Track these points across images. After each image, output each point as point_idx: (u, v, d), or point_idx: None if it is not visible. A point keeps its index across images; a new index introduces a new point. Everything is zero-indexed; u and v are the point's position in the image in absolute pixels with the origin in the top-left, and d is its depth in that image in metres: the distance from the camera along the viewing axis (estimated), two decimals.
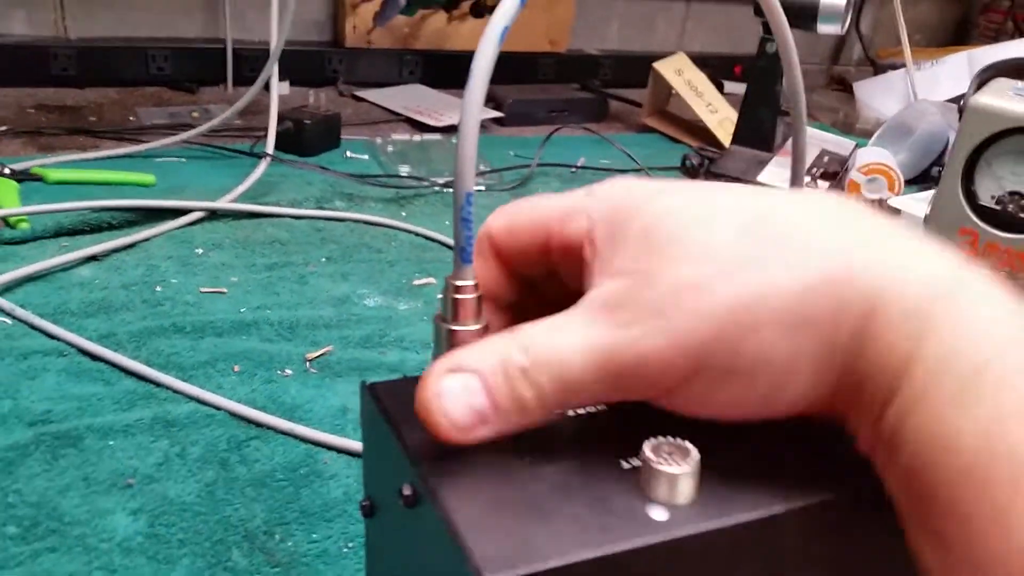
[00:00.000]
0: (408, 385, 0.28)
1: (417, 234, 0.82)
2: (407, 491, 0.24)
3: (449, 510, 0.22)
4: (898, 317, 0.20)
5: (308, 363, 0.59)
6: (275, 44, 0.90)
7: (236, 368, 0.57)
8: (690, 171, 1.11)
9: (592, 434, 0.26)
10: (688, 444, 0.23)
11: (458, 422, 0.23)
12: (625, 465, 0.24)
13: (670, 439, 0.23)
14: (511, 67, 1.47)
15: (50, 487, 0.45)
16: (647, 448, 0.23)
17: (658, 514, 0.22)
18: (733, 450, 0.25)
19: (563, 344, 0.23)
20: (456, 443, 0.23)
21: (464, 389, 0.23)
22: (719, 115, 1.23)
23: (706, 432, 0.26)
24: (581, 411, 0.27)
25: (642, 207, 0.24)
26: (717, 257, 0.22)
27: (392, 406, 0.27)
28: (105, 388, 0.54)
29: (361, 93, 1.29)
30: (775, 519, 0.23)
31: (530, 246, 0.26)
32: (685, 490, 0.23)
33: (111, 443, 0.49)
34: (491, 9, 1.20)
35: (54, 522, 0.43)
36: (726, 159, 1.03)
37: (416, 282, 0.73)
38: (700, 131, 1.27)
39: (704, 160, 1.12)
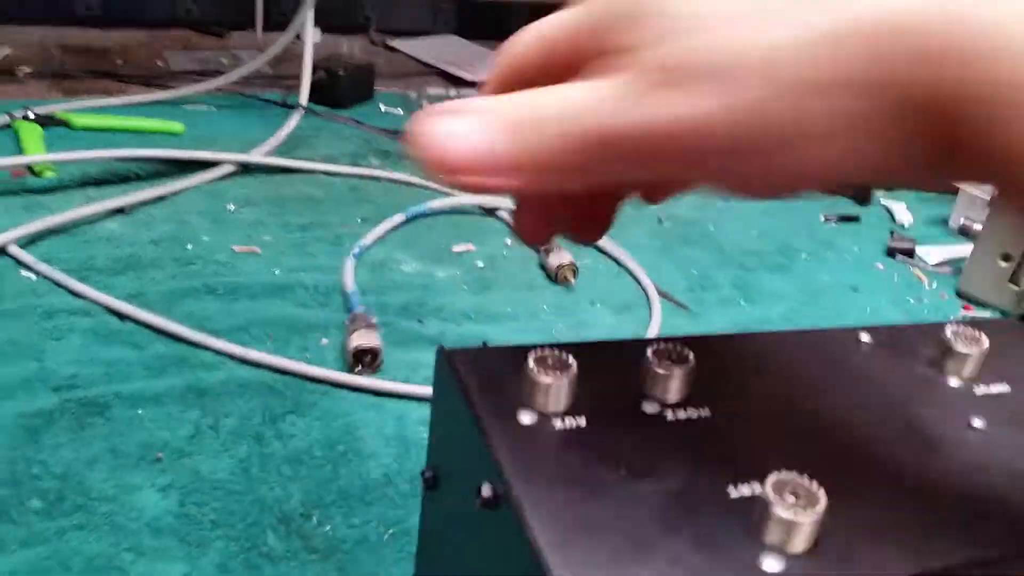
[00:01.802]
0: (489, 357, 0.25)
1: (450, 196, 0.79)
2: (486, 491, 0.21)
3: (535, 528, 0.19)
4: None
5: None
6: None
7: (271, 335, 0.54)
8: None
9: (698, 446, 0.23)
10: (816, 487, 0.20)
11: (450, 154, 0.20)
12: (735, 493, 0.21)
13: (796, 476, 0.20)
14: None
15: (76, 458, 0.43)
16: (769, 485, 0.20)
17: (771, 565, 0.19)
18: (865, 488, 0.22)
19: (585, 101, 0.19)
20: (446, 178, 0.20)
21: (464, 125, 0.20)
22: None
23: (833, 456, 0.23)
24: (683, 415, 0.24)
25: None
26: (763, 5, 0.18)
27: (472, 381, 0.24)
28: (134, 352, 0.51)
29: (394, 43, 1.25)
30: None
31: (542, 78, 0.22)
32: (805, 539, 0.20)
33: (140, 412, 0.46)
34: None
35: (80, 497, 0.41)
36: None
37: (455, 248, 0.70)
38: None
39: None
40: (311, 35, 0.89)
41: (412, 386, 0.51)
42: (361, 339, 0.52)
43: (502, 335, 0.59)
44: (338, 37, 1.23)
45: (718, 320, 0.65)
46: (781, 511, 0.19)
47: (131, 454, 0.43)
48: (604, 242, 0.73)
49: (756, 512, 0.20)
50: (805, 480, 0.20)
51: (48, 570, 0.37)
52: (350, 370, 0.52)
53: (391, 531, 0.41)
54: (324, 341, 0.55)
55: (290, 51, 0.96)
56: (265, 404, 0.48)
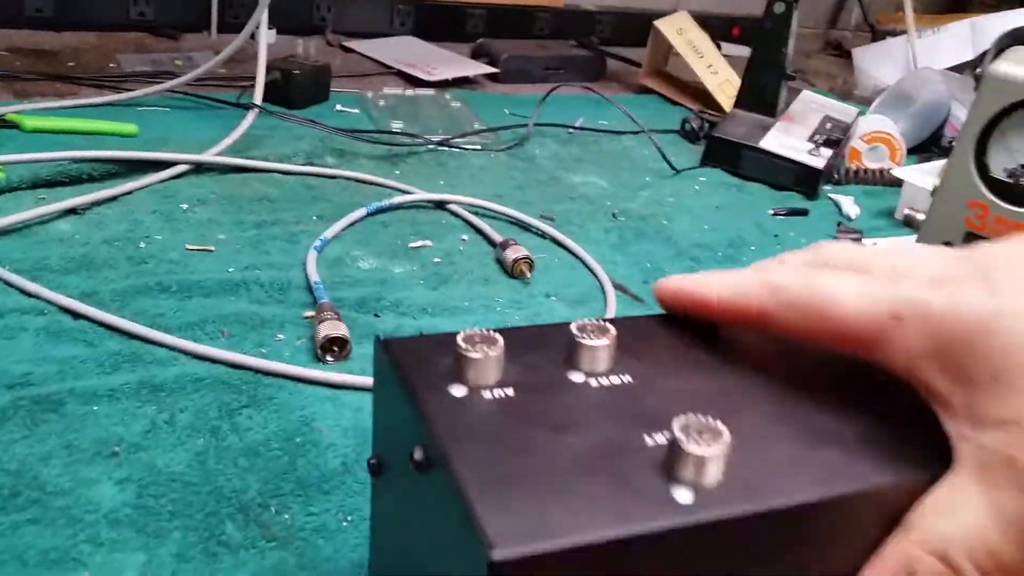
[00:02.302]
0: (424, 343, 0.27)
1: (408, 194, 0.79)
2: (418, 455, 0.23)
3: (462, 479, 0.21)
4: None
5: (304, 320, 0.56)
6: None
7: (224, 332, 0.55)
8: (690, 135, 1.08)
9: (618, 406, 0.24)
10: (720, 425, 0.22)
11: None
12: (650, 442, 0.23)
13: (700, 418, 0.22)
14: (506, 21, 1.42)
15: (30, 454, 0.42)
16: (676, 426, 0.22)
17: (682, 496, 0.21)
18: (770, 430, 0.24)
19: (972, 524, 0.20)
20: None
21: None
22: (719, 77, 1.20)
23: (743, 409, 0.25)
24: (606, 382, 0.25)
25: (979, 339, 0.21)
26: None
27: (407, 363, 0.25)
28: (87, 349, 0.51)
29: (350, 44, 1.25)
30: (807, 507, 0.21)
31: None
32: (713, 472, 0.21)
33: (95, 408, 0.46)
34: None
35: (35, 492, 0.40)
36: (727, 123, 1.01)
37: (412, 244, 0.70)
38: (699, 93, 1.24)
39: (704, 123, 1.09)
40: (265, 35, 0.90)
41: (368, 378, 0.51)
42: (329, 328, 0.53)
43: (457, 328, 0.59)
44: (294, 38, 1.23)
45: None
46: (688, 447, 0.21)
47: (86, 449, 0.43)
48: (560, 236, 0.74)
49: (668, 452, 0.22)
50: (709, 420, 0.22)
51: (2, 563, 0.37)
52: (318, 360, 0.53)
53: (350, 518, 0.42)
54: (280, 336, 0.55)
55: (245, 52, 0.96)
56: (221, 399, 0.48)
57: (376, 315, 0.60)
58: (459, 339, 0.25)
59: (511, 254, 0.68)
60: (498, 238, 0.71)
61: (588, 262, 0.70)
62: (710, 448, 0.21)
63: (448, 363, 0.25)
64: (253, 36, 0.91)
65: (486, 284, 0.66)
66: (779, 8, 1.00)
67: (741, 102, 1.04)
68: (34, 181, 0.69)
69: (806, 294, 0.24)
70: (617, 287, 0.67)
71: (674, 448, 0.21)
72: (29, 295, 0.55)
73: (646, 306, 0.66)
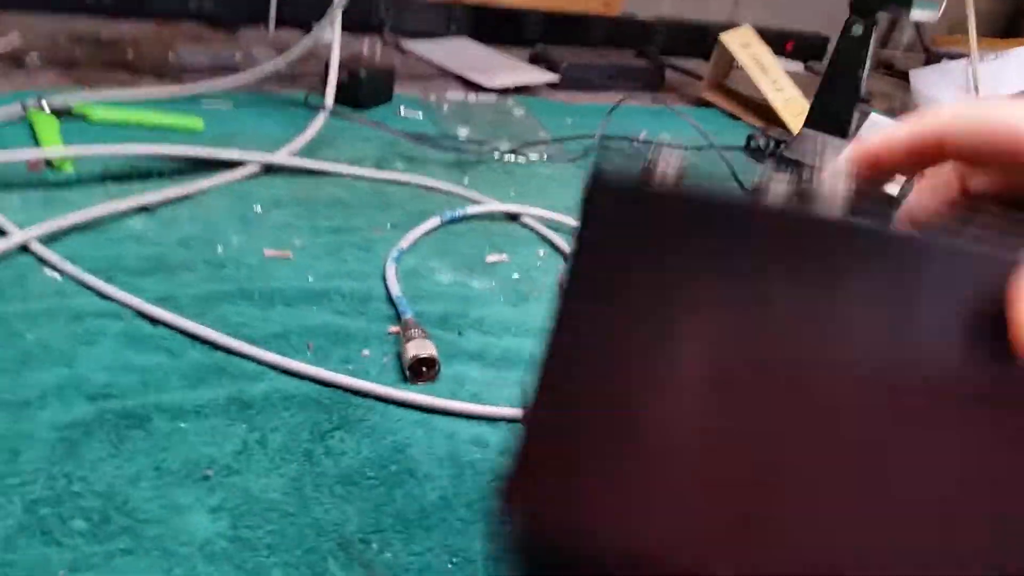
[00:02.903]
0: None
1: (481, 204, 0.77)
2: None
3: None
4: None
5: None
6: None
7: (311, 346, 0.52)
8: (756, 152, 1.05)
9: None
10: None
11: None
12: None
13: None
14: (563, 27, 1.40)
15: (118, 475, 0.40)
16: None
17: None
18: None
19: None
20: None
21: None
22: (784, 95, 1.17)
23: None
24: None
25: None
26: None
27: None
28: (170, 359, 0.49)
29: (406, 44, 1.23)
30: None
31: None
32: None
33: (182, 425, 0.44)
34: None
35: (126, 518, 0.38)
36: (799, 143, 0.98)
37: (489, 259, 0.67)
38: (760, 109, 1.21)
39: (770, 142, 1.06)
40: (339, 36, 0.87)
41: (462, 403, 0.49)
42: (418, 348, 0.50)
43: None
44: (353, 36, 1.20)
45: None
46: None
47: (177, 471, 0.41)
48: None
49: None
50: None
51: None
52: (406, 381, 0.50)
53: (455, 560, 0.39)
54: (365, 352, 0.53)
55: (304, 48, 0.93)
56: (312, 419, 0.46)
57: (460, 333, 0.57)
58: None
59: None
60: None
61: None
62: None
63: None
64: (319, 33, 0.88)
65: None
66: (857, 30, 0.97)
67: (811, 122, 1.01)
68: (103, 174, 0.67)
69: (990, 114, 0.25)
70: None
71: None
72: (105, 297, 0.53)
73: None
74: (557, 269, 0.68)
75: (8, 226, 0.57)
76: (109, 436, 0.42)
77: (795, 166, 0.95)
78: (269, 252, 0.61)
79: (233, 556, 0.37)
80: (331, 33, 0.87)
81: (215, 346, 0.50)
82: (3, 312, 0.49)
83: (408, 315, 0.55)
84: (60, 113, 0.75)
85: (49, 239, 0.57)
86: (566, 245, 0.70)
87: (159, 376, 0.47)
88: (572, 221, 0.74)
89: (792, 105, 1.15)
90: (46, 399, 0.44)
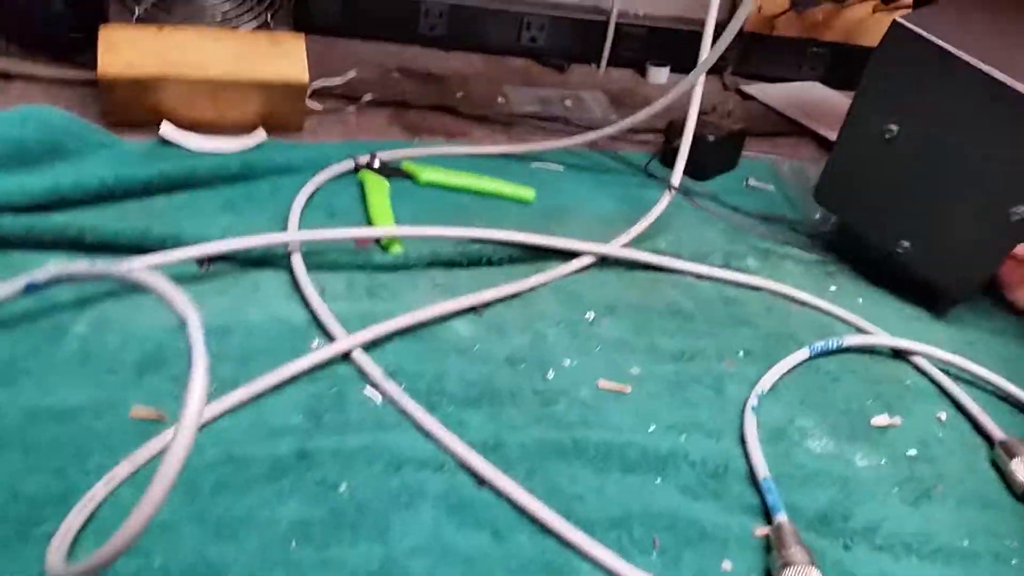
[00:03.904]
0: None
1: (863, 333, 0.62)
2: None
3: None
4: None
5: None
6: (730, 26, 0.67)
7: (656, 542, 0.41)
8: None
9: None
10: None
11: None
12: None
13: None
14: None
15: None
16: None
17: None
18: None
19: None
20: None
21: None
22: None
23: None
24: None
25: None
26: None
27: None
28: (493, 544, 0.40)
29: (748, 88, 1.08)
30: None
31: None
32: None
33: None
34: None
35: None
36: None
37: (875, 420, 0.53)
38: None
39: None
40: (700, 86, 0.74)
41: None
42: None
43: None
44: (681, 77, 1.08)
45: None
46: None
47: None
48: None
49: None
50: None
51: None
52: None
53: None
54: (726, 565, 0.41)
55: (632, 93, 0.82)
56: None
57: (846, 547, 0.43)
58: None
59: (1023, 470, 0.48)
60: (997, 433, 0.52)
61: None
62: None
63: None
64: (643, 74, 0.76)
65: (984, 509, 0.47)
66: None
67: None
68: (432, 260, 0.61)
69: None
70: None
71: None
72: (427, 436, 0.45)
73: None
74: (967, 441, 0.52)
75: (334, 326, 0.51)
76: None
77: None
78: (604, 384, 0.52)
79: None
80: (694, 89, 0.74)
81: (545, 530, 0.41)
82: (318, 449, 0.43)
83: (781, 515, 0.43)
84: (389, 173, 0.70)
85: (372, 344, 0.52)
86: (982, 414, 0.54)
87: (480, 570, 0.38)
88: (990, 376, 0.58)
89: None
90: None
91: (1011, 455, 0.49)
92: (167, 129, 0.69)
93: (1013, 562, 0.44)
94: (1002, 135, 0.58)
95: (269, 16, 0.87)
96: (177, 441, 0.29)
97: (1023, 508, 0.48)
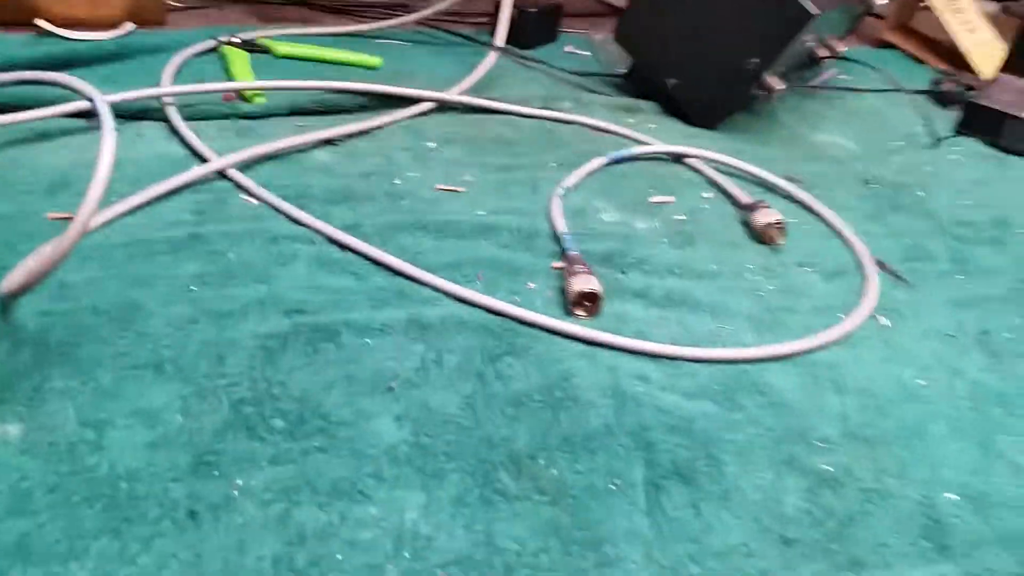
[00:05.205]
0: None
1: (646, 144, 0.76)
2: None
3: None
4: None
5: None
6: None
7: (480, 276, 0.55)
8: (942, 98, 0.99)
9: None
10: None
11: None
12: None
13: None
14: None
15: (313, 382, 0.44)
16: None
17: None
18: None
19: None
20: None
21: None
22: (977, 36, 1.08)
23: None
24: None
25: None
26: None
27: None
28: (356, 282, 0.52)
29: None
30: None
31: None
32: None
33: (368, 342, 0.47)
34: None
35: (320, 420, 0.42)
36: (993, 89, 0.91)
37: (653, 199, 0.68)
38: (946, 53, 1.13)
39: (958, 87, 0.99)
40: None
41: (625, 339, 0.50)
42: (582, 283, 0.52)
43: (707, 294, 0.57)
44: None
45: (937, 295, 0.61)
46: None
47: (365, 381, 0.44)
48: (812, 202, 0.69)
49: None
50: None
51: (297, 489, 0.38)
52: (568, 313, 0.52)
53: (617, 481, 0.41)
54: (531, 285, 0.55)
55: None
56: (483, 344, 0.48)
57: (623, 272, 0.58)
58: None
59: (761, 218, 0.64)
60: (744, 199, 0.67)
61: (842, 232, 0.66)
62: None
63: None
64: None
65: (734, 248, 0.63)
66: None
67: (1009, 67, 0.93)
68: (291, 108, 0.71)
69: None
70: (880, 265, 0.62)
71: None
72: (298, 223, 0.57)
73: (910, 286, 0.61)
74: (724, 212, 0.67)
75: (208, 153, 0.62)
76: (304, 347, 0.46)
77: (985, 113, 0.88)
78: (440, 187, 0.64)
79: (414, 460, 0.41)
80: None
81: (396, 272, 0.53)
82: (207, 232, 0.54)
83: (572, 251, 0.57)
84: (249, 48, 0.80)
85: (244, 167, 0.62)
86: (735, 188, 0.69)
87: (347, 296, 0.51)
88: (740, 164, 0.73)
89: (984, 48, 1.07)
90: (247, 312, 0.48)
91: (752, 210, 0.65)
92: (43, 23, 0.76)
93: (746, 276, 0.60)
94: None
95: None
96: (95, 182, 0.40)
97: (759, 247, 0.64)
